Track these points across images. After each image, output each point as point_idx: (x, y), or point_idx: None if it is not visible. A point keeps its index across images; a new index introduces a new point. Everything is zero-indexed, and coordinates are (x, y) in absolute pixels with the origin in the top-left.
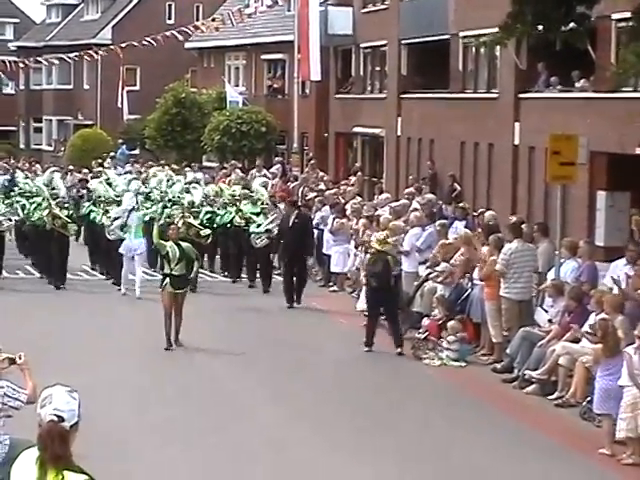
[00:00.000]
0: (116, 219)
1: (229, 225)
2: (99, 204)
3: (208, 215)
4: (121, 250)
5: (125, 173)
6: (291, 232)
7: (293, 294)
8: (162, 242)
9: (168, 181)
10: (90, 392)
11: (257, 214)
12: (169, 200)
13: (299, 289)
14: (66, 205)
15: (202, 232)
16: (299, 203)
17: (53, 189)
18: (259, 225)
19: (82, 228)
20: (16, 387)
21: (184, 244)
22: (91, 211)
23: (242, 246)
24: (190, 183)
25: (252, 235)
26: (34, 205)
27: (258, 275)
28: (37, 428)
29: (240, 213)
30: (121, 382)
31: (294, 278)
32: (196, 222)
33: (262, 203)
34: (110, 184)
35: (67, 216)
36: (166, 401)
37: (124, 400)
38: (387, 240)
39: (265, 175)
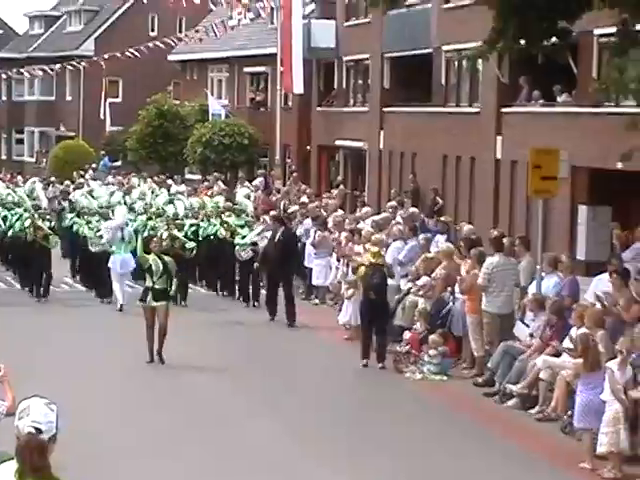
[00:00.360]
0: (100, 231)
1: (213, 237)
2: (82, 216)
3: (192, 228)
4: (112, 265)
5: (107, 184)
6: (276, 249)
7: (276, 307)
8: (145, 255)
9: (152, 193)
10: (72, 405)
11: (241, 226)
12: (153, 212)
13: (290, 309)
14: (48, 217)
15: (187, 245)
16: (284, 219)
17: (34, 200)
18: (244, 237)
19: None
20: None
21: (166, 258)
22: (74, 223)
23: (226, 258)
24: (173, 195)
25: (237, 247)
26: (16, 216)
27: (237, 288)
28: (15, 440)
29: (225, 225)
30: (103, 395)
31: (277, 293)
32: (180, 234)
33: (246, 215)
34: (93, 196)
35: (49, 228)
36: (148, 414)
37: (106, 413)
38: (381, 253)
39: (247, 187)
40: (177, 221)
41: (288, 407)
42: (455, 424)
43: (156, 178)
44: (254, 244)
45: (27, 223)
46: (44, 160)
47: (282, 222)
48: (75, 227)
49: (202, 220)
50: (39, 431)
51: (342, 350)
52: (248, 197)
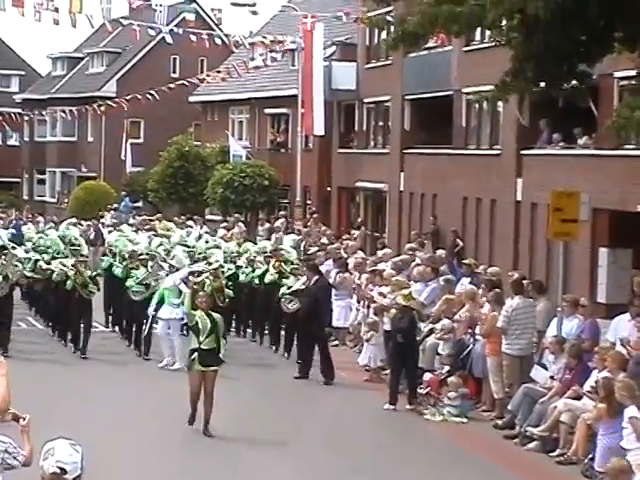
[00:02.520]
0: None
1: (258, 283)
2: (120, 259)
3: (229, 273)
4: (161, 315)
5: (130, 225)
6: (309, 299)
7: (309, 365)
8: (192, 311)
9: (200, 237)
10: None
11: (286, 277)
12: (198, 257)
13: (326, 365)
14: (88, 264)
15: (226, 293)
16: (319, 267)
17: (72, 245)
18: (290, 287)
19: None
20: (17, 446)
21: (215, 315)
22: (111, 265)
23: (269, 307)
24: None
25: (283, 298)
26: (48, 259)
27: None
28: None
29: (280, 268)
30: (140, 466)
31: (312, 349)
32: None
33: (292, 263)
34: (130, 240)
35: (89, 277)
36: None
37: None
38: (412, 295)
39: (269, 229)
40: (221, 269)
41: (309, 450)
42: (476, 467)
43: (176, 219)
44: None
45: (69, 269)
46: (65, 201)
47: (317, 271)
48: (115, 270)
49: (245, 265)
50: (64, 471)
51: (361, 391)
52: (296, 247)
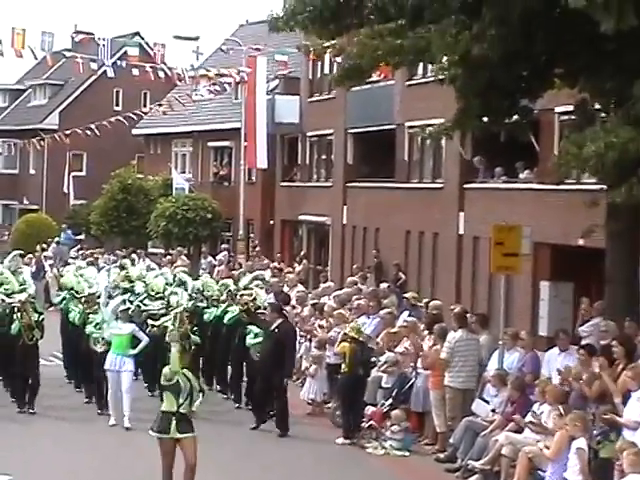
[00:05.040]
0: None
1: (226, 325)
2: (76, 300)
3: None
4: (107, 366)
5: (70, 258)
6: (270, 342)
7: (266, 413)
8: (173, 370)
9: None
10: None
11: (253, 323)
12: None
13: (281, 415)
14: (35, 305)
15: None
16: (284, 310)
17: (20, 284)
18: (256, 335)
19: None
20: None
21: (188, 373)
22: (68, 309)
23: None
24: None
25: (252, 348)
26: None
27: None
28: None
29: (248, 309)
30: None
31: (270, 396)
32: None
33: (257, 308)
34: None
35: (35, 322)
36: None
37: None
38: (361, 329)
39: (211, 262)
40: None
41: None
42: None
43: (118, 252)
44: None
45: (15, 311)
46: (7, 233)
47: (281, 313)
48: (72, 315)
49: (207, 306)
50: None
51: (303, 424)
52: (263, 287)
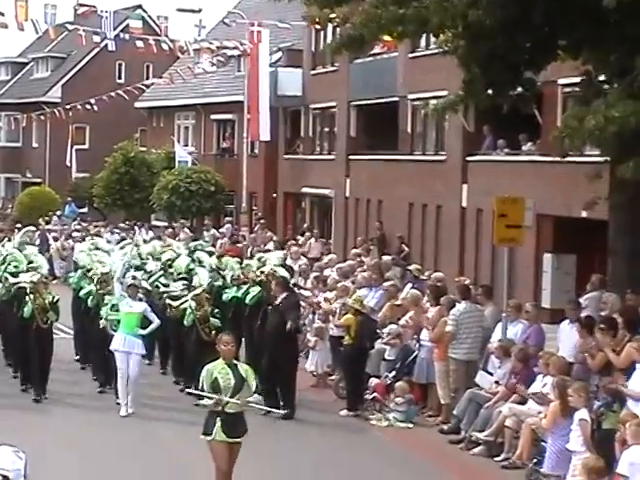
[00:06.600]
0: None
1: (249, 305)
2: (90, 279)
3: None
4: (115, 346)
5: (73, 231)
6: (275, 316)
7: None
8: (211, 366)
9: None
10: None
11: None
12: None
13: (287, 394)
14: (49, 286)
15: (212, 323)
16: (288, 284)
17: (29, 262)
18: None
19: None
20: None
21: (241, 365)
22: (81, 287)
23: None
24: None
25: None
26: (1, 274)
27: None
28: None
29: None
30: None
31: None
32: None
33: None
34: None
35: (50, 303)
36: None
37: None
38: (363, 301)
39: (214, 235)
40: (205, 294)
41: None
42: (421, 472)
43: (122, 225)
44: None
45: (28, 292)
46: (10, 206)
47: (286, 287)
48: (84, 293)
49: (230, 285)
50: (6, 478)
51: (308, 396)
52: (288, 268)
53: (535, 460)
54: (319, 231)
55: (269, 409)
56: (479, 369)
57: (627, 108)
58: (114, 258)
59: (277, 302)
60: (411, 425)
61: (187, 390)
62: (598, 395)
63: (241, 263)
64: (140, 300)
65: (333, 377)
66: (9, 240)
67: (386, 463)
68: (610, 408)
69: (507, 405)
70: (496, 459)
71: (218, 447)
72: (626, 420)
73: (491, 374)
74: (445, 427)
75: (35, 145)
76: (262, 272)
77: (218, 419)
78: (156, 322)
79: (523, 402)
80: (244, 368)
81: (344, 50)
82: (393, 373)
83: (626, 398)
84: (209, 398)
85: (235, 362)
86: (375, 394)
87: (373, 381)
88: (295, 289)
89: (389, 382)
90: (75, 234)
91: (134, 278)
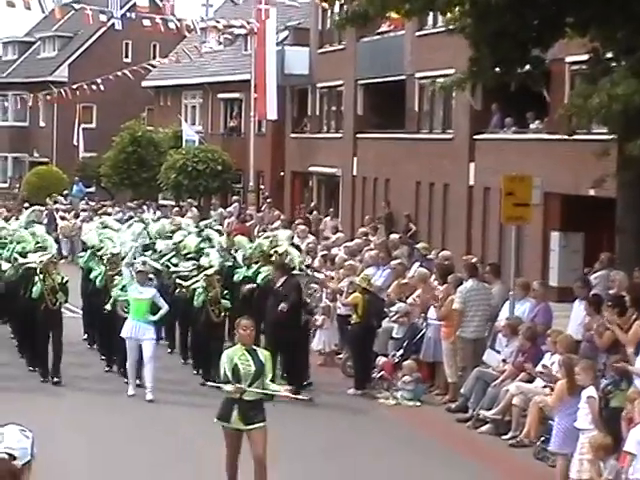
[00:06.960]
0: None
1: (260, 286)
2: (99, 258)
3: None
4: (125, 334)
5: (82, 211)
6: (277, 300)
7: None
8: (232, 350)
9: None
10: None
11: None
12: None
13: (295, 372)
14: (58, 267)
15: (223, 304)
16: (286, 266)
17: (36, 243)
18: None
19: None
20: None
21: (261, 350)
22: (89, 267)
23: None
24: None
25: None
26: (9, 254)
27: None
28: None
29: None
30: None
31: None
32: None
33: (293, 269)
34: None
35: (59, 283)
36: None
37: None
38: (370, 279)
39: (221, 214)
40: (216, 276)
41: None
42: (429, 450)
43: (130, 204)
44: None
45: (37, 272)
46: (17, 186)
47: (285, 270)
48: (94, 274)
49: (241, 265)
50: (12, 457)
51: (316, 375)
52: (296, 246)
53: (542, 438)
54: (326, 210)
55: (294, 396)
56: (487, 347)
57: (631, 86)
58: (123, 238)
59: (277, 285)
60: (419, 403)
61: (208, 383)
62: (606, 373)
63: (251, 242)
64: (150, 280)
65: (341, 356)
66: (17, 219)
67: (393, 441)
68: (618, 386)
69: (514, 383)
70: (503, 437)
71: (234, 435)
72: (634, 398)
73: (499, 352)
74: (452, 405)
75: (42, 124)
76: (276, 252)
77: (236, 406)
78: (165, 307)
79: (531, 380)
80: (264, 354)
81: (348, 26)
82: (401, 352)
83: (634, 376)
84: (229, 391)
85: (255, 347)
86: (383, 372)
87: (381, 359)
88: (309, 271)
89: (397, 360)
90: (82, 214)
91: (144, 263)
